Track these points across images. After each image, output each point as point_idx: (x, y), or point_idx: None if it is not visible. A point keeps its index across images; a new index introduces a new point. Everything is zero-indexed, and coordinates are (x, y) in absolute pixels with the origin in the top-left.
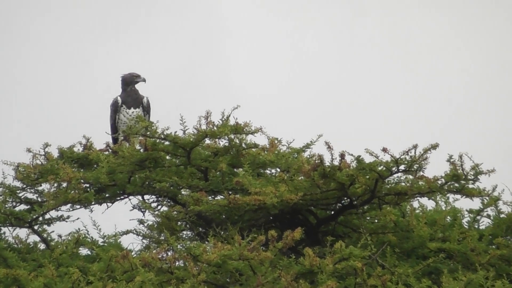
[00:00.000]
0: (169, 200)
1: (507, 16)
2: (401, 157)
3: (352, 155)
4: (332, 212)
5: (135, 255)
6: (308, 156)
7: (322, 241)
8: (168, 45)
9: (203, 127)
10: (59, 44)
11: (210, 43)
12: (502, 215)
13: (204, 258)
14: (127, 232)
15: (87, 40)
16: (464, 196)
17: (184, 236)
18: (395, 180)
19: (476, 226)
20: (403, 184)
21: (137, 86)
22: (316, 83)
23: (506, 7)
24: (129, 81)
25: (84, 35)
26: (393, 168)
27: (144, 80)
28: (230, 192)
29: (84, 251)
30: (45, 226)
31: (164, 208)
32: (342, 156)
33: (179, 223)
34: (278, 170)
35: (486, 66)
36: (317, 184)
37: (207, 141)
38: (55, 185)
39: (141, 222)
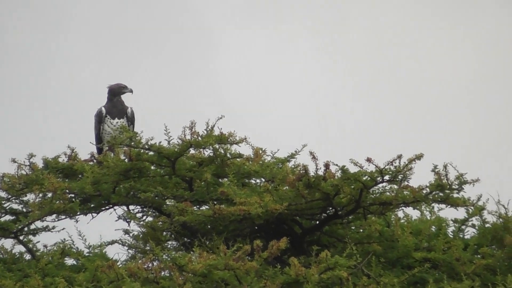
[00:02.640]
0: (154, 210)
1: (495, 25)
2: (386, 167)
3: (336, 165)
4: (317, 222)
5: (120, 265)
6: (292, 166)
7: (307, 251)
8: (156, 56)
9: (188, 137)
10: (44, 53)
11: (197, 54)
12: (487, 225)
13: (189, 268)
14: (112, 242)
15: (73, 50)
16: (449, 206)
17: (169, 246)
18: (380, 190)
19: (461, 236)
20: (388, 194)
21: (123, 96)
22: (302, 92)
23: (497, 13)
24: (116, 92)
25: (72, 45)
26: (378, 178)
27: (131, 91)
28: (215, 202)
29: (69, 261)
30: (30, 237)
31: (149, 218)
32: (326, 166)
33: (164, 233)
34: (263, 180)
35: (471, 75)
36: (302, 194)
37: (192, 151)
38: (40, 195)
39: (126, 232)
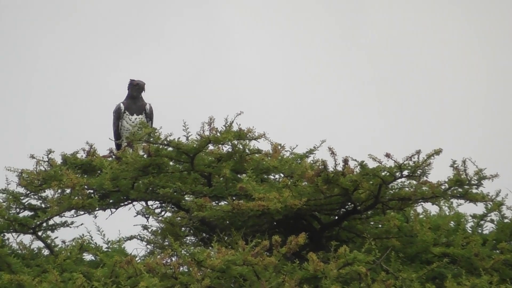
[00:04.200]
0: (172, 206)
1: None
2: (405, 162)
3: (355, 160)
4: (336, 217)
5: (139, 261)
6: (311, 162)
7: (326, 246)
8: (172, 52)
9: (207, 133)
10: (63, 49)
11: (215, 50)
12: (505, 220)
13: (208, 263)
14: (131, 238)
15: (91, 46)
16: (468, 201)
17: (188, 241)
18: (399, 185)
19: (480, 231)
20: (406, 189)
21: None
22: (319, 88)
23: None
24: (142, 89)
25: (90, 41)
26: (397, 174)
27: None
28: (234, 198)
29: (88, 256)
30: (49, 232)
31: (168, 214)
32: (345, 161)
33: (183, 228)
34: (282, 175)
35: (489, 68)
36: (321, 189)
37: (211, 147)
38: (59, 191)
39: (145, 227)
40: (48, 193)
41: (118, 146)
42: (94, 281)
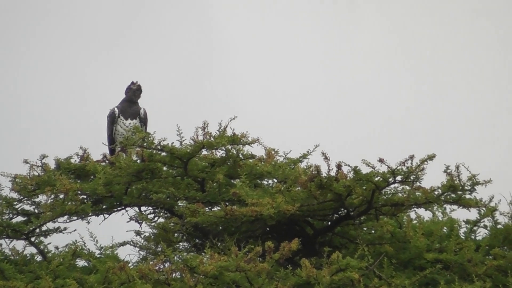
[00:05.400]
0: (166, 212)
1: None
2: (398, 167)
3: (349, 165)
4: (329, 223)
5: (132, 267)
6: (305, 167)
7: (319, 252)
8: (167, 57)
9: (200, 138)
10: (56, 54)
11: (209, 55)
12: (499, 226)
13: (201, 269)
14: (124, 244)
15: (85, 49)
16: (461, 207)
17: (181, 247)
18: (392, 191)
19: (473, 237)
20: (400, 195)
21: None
22: (314, 93)
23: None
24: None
25: (84, 45)
26: (390, 179)
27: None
28: (227, 203)
29: (81, 262)
30: (42, 238)
31: (161, 220)
32: (338, 167)
33: (176, 234)
34: (275, 181)
35: (485, 73)
36: (314, 195)
37: (204, 152)
38: (52, 196)
39: (138, 233)
40: (41, 198)
41: (112, 151)
42: (87, 287)
